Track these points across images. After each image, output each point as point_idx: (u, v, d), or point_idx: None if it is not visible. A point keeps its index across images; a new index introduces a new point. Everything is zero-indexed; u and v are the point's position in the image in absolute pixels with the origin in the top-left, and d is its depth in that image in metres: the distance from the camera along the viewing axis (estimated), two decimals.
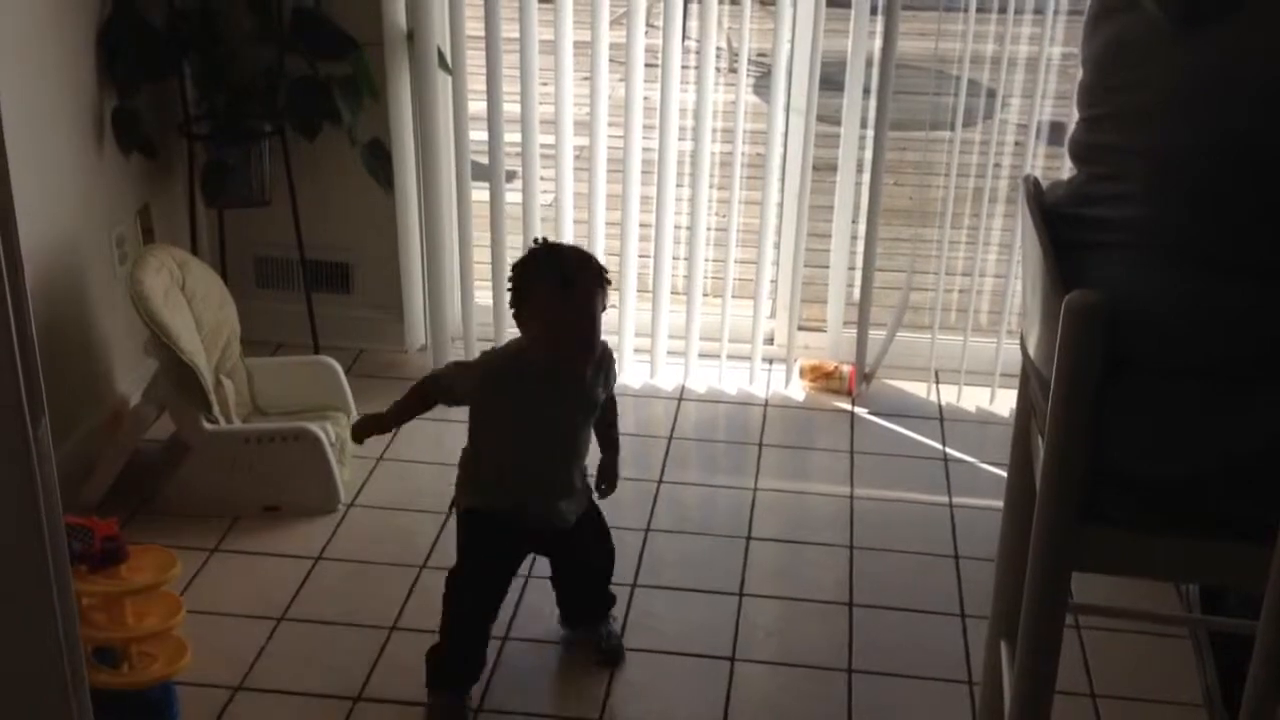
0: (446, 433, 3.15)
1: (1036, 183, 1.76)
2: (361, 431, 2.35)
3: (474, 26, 3.23)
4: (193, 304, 2.86)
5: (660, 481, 2.98)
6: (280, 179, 3.21)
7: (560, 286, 2.14)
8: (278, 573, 2.60)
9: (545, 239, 2.25)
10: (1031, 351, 1.73)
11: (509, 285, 2.20)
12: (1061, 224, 1.65)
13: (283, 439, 2.75)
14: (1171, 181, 1.52)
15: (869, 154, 3.26)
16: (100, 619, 2.18)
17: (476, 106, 3.32)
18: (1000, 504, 2.06)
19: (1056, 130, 3.42)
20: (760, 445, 3.15)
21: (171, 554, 2.25)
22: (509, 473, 2.29)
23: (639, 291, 3.44)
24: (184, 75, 3.13)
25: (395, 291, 3.47)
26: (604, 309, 2.19)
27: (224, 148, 3.16)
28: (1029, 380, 1.83)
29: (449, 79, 3.26)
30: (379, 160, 3.28)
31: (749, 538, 2.78)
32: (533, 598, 2.56)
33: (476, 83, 3.29)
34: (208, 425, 2.73)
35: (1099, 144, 1.62)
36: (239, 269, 3.48)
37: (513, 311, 2.21)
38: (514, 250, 3.46)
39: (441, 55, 3.22)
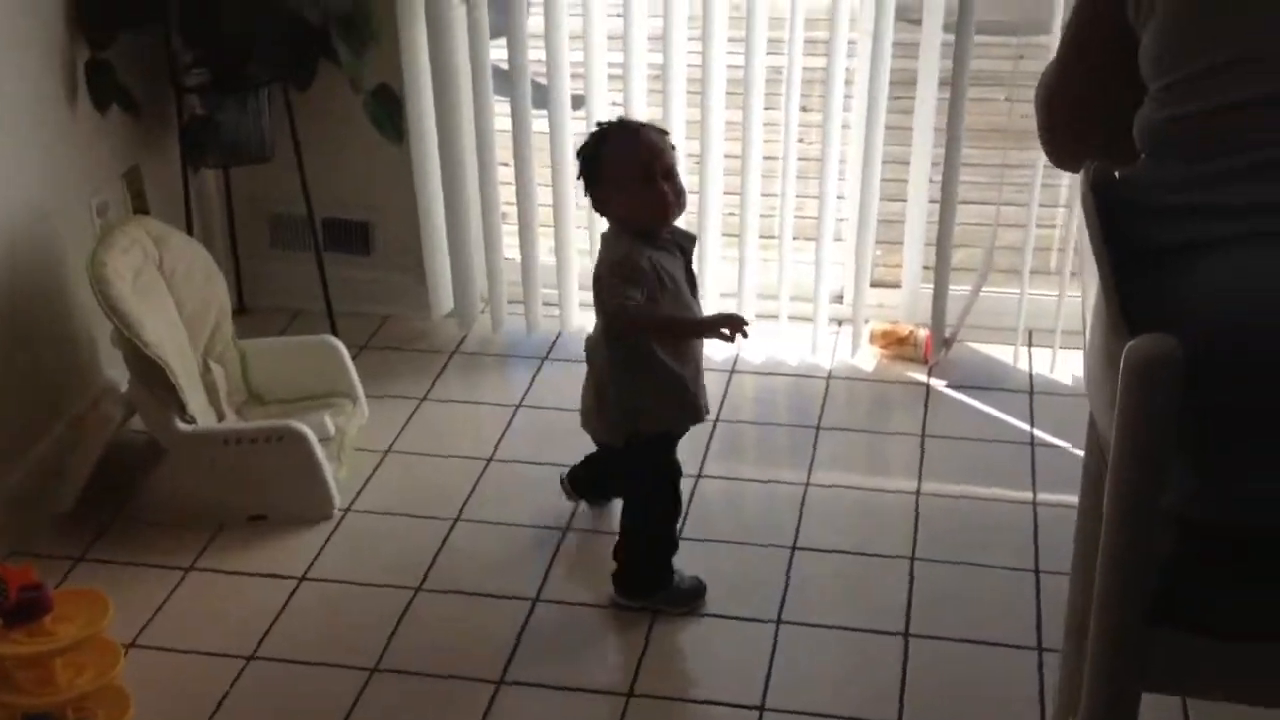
0: (465, 423, 2.82)
1: (1100, 170, 1.33)
2: None
3: None
4: (172, 283, 2.56)
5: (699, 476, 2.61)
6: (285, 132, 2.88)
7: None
8: (255, 597, 2.30)
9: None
10: (1091, 399, 1.33)
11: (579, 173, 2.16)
12: (1156, 221, 1.23)
13: (265, 439, 2.44)
14: None
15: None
16: (26, 682, 1.91)
17: (535, 21, 2.93)
18: None
19: None
20: (818, 429, 2.75)
21: (103, 596, 1.96)
22: (686, 369, 2.19)
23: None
24: (168, 22, 2.80)
25: (418, 252, 3.14)
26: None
27: (217, 100, 2.84)
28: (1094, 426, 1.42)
29: (463, 8, 2.88)
30: (386, 108, 2.93)
31: (794, 547, 2.40)
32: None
33: None
34: (181, 425, 2.43)
35: (1207, 110, 1.19)
36: (250, 230, 3.19)
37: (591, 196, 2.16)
38: (542, 184, 3.07)
39: None
